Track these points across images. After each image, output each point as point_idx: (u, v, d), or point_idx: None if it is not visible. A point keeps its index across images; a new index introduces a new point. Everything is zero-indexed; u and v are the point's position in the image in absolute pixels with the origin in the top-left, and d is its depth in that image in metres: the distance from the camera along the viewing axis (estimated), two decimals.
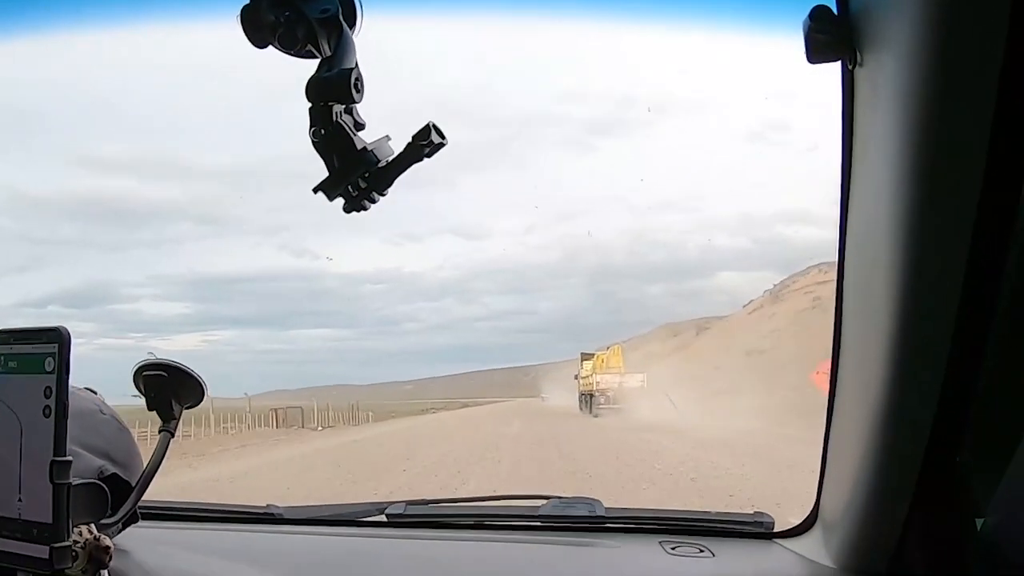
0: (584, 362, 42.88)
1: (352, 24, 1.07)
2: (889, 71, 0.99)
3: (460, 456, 15.51)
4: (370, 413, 43.86)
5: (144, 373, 1.37)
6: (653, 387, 37.20)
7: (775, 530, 1.66)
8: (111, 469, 1.31)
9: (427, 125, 1.06)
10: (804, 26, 1.08)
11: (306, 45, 1.05)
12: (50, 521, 1.08)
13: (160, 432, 1.38)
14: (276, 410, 35.72)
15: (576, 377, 44.03)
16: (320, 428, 32.54)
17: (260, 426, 31.67)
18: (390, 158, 1.08)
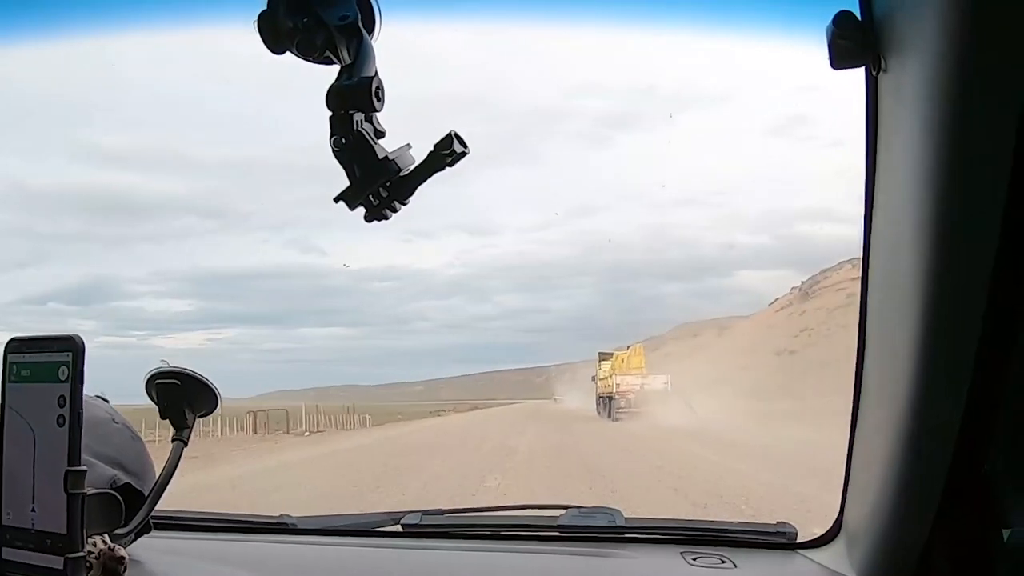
0: (602, 362, 41.39)
1: (371, 31, 1.09)
2: (913, 76, 1.01)
3: (452, 481, 13.08)
4: (367, 416, 41.25)
5: (157, 381, 1.39)
6: (677, 389, 35.41)
7: (798, 540, 1.67)
8: (124, 479, 1.34)
9: (449, 134, 1.08)
10: (827, 32, 1.09)
11: (324, 52, 1.07)
12: (64, 531, 1.09)
13: (173, 441, 1.41)
14: (255, 413, 33.52)
15: (593, 378, 42.44)
16: (307, 433, 30.64)
17: (236, 431, 29.84)
18: (412, 167, 1.10)
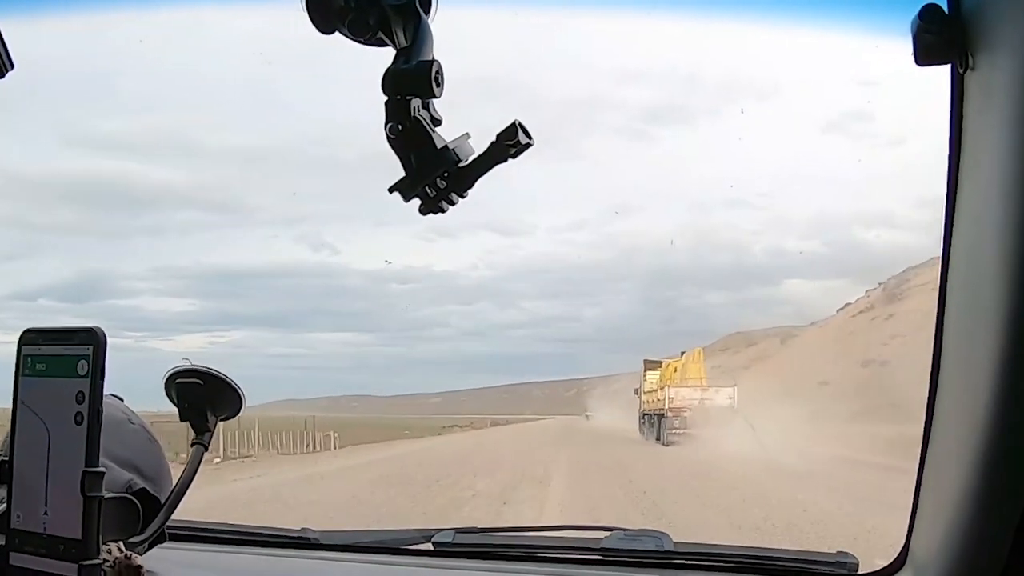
0: (648, 372, 36.93)
1: (427, 11, 1.11)
2: (1004, 75, 1.01)
3: None
4: (333, 434, 34.18)
5: (178, 381, 1.42)
6: (745, 406, 30.68)
7: (860, 572, 1.67)
8: (140, 483, 1.36)
9: (513, 124, 1.10)
10: (913, 26, 1.10)
11: (377, 33, 1.09)
12: (79, 537, 1.11)
13: (193, 445, 1.43)
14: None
15: (637, 392, 38.24)
16: (218, 460, 23.77)
17: None
18: (471, 158, 1.12)
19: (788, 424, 25.88)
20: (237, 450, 26.41)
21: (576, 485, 16.79)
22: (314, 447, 31.71)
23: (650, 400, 34.80)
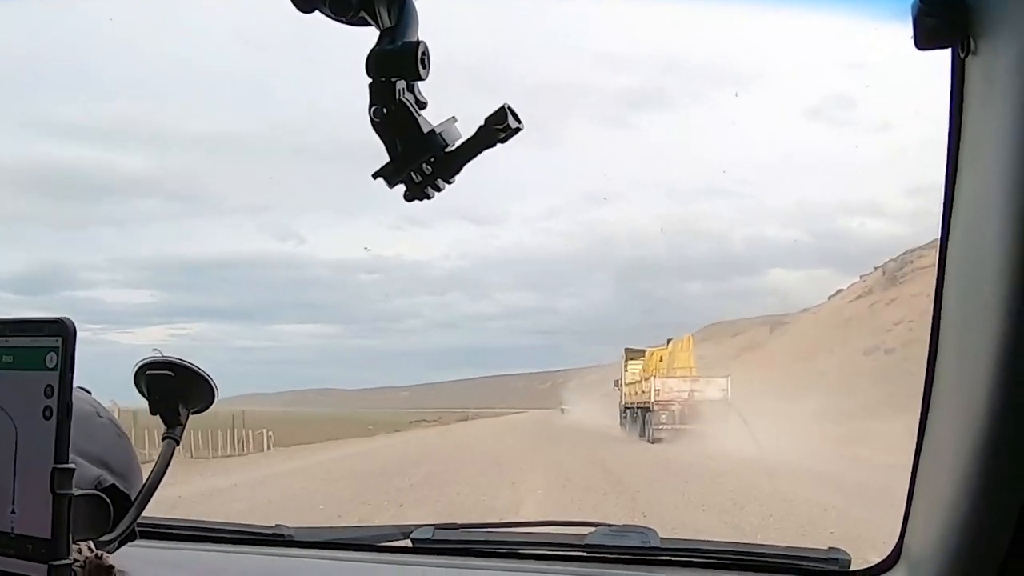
0: (630, 362, 35.07)
1: None
2: (1007, 60, 1.02)
3: None
4: (266, 432, 29.83)
5: (148, 372, 1.40)
6: (738, 399, 28.36)
7: (852, 568, 1.68)
8: (109, 479, 1.34)
9: (503, 108, 1.10)
10: (913, 8, 1.10)
11: (360, 12, 1.08)
12: (48, 536, 1.11)
13: (164, 439, 1.41)
14: None
15: (617, 384, 36.26)
16: None
17: None
18: (458, 142, 1.12)
19: (791, 418, 24.17)
20: (147, 452, 21.61)
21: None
22: (242, 448, 28.46)
23: (632, 392, 33.03)
